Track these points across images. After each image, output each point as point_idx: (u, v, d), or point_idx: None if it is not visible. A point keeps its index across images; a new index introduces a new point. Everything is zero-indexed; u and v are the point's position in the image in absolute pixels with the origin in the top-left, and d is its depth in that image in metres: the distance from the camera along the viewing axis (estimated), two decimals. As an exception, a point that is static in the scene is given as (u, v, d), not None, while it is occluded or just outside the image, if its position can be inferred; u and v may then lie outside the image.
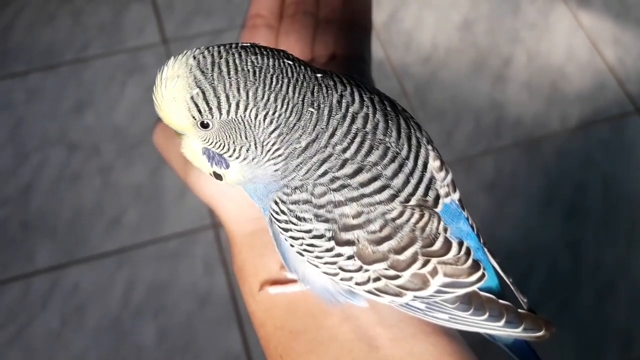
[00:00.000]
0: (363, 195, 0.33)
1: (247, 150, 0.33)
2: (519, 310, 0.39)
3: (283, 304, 0.42)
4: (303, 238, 0.35)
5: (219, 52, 0.31)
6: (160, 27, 1.54)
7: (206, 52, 0.31)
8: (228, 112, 0.32)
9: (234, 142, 0.33)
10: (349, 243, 0.34)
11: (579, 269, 1.24)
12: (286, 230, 0.36)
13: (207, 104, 0.31)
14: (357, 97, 0.34)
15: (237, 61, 0.31)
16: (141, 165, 1.33)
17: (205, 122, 0.32)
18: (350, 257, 0.35)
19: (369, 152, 0.33)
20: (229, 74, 0.31)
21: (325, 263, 0.36)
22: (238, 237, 0.44)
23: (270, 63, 0.32)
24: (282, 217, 0.35)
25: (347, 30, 0.52)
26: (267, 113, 0.32)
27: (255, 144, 0.33)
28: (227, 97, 0.31)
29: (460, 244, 0.36)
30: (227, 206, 0.44)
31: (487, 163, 1.36)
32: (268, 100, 0.32)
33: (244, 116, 0.32)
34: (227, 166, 0.35)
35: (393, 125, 0.34)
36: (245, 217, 0.44)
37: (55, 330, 1.15)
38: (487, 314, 0.38)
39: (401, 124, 0.35)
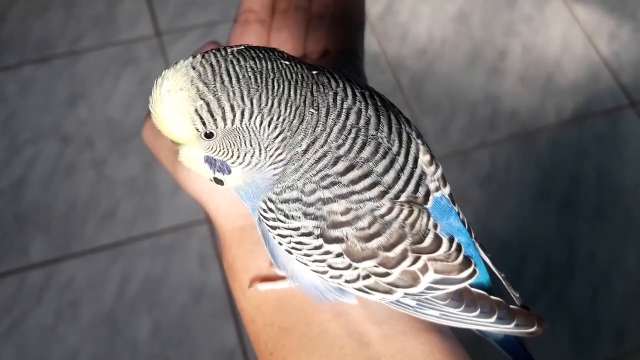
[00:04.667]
0: (352, 193, 0.33)
1: (252, 157, 0.33)
2: (511, 306, 0.39)
3: (273, 300, 0.41)
4: (291, 236, 0.35)
5: (217, 60, 0.31)
6: (154, 19, 1.53)
7: (204, 61, 0.31)
8: (233, 121, 0.31)
9: (237, 150, 0.33)
10: (338, 240, 0.34)
11: (573, 261, 1.24)
12: (274, 228, 0.35)
13: (212, 115, 0.30)
14: (349, 93, 0.34)
15: (237, 68, 0.30)
16: (135, 158, 1.32)
17: (209, 133, 0.32)
18: (339, 255, 0.35)
19: (361, 148, 0.33)
20: (231, 83, 0.30)
21: (314, 261, 0.36)
22: (228, 232, 0.44)
23: (269, 66, 0.31)
24: (270, 214, 0.35)
25: (339, 25, 0.51)
26: (271, 119, 0.31)
27: (259, 150, 0.33)
28: (232, 106, 0.31)
29: (451, 240, 0.36)
30: (217, 201, 0.44)
31: (482, 156, 1.36)
32: (272, 105, 0.31)
33: (249, 124, 0.31)
34: (230, 172, 0.34)
35: (384, 120, 0.34)
36: (235, 213, 0.44)
37: (49, 325, 1.14)
38: (479, 310, 0.38)
39: (392, 119, 0.35)
